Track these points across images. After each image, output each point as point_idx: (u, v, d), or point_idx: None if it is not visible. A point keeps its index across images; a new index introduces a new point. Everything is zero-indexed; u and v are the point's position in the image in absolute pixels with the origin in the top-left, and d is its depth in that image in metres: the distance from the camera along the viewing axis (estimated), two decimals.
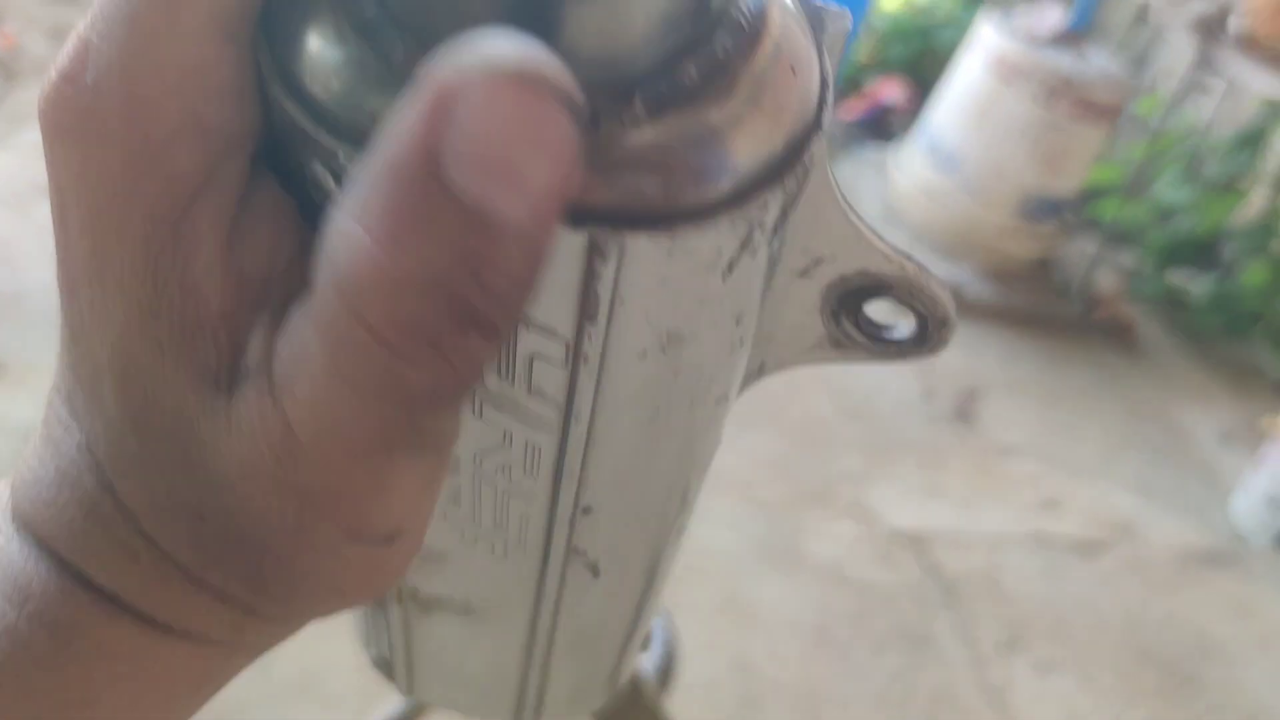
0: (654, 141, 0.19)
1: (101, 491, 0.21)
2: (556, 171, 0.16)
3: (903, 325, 0.26)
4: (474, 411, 0.24)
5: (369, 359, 0.17)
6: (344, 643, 0.38)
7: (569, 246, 0.20)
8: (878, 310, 0.26)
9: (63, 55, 0.20)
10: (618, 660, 0.37)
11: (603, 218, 0.19)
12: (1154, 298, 3.27)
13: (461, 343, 0.17)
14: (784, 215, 0.22)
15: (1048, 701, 1.85)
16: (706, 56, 0.19)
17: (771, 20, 0.20)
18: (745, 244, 0.21)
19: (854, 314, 0.26)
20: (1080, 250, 3.13)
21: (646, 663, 0.66)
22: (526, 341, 0.22)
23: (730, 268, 0.21)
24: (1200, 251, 3.27)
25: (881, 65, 3.87)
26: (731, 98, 0.19)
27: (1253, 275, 3.11)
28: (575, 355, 0.22)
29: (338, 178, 0.20)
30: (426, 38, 0.18)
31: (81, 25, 0.20)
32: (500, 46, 0.16)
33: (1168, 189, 3.23)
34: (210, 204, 0.20)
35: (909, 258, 0.25)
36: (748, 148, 0.20)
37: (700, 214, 0.20)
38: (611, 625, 0.34)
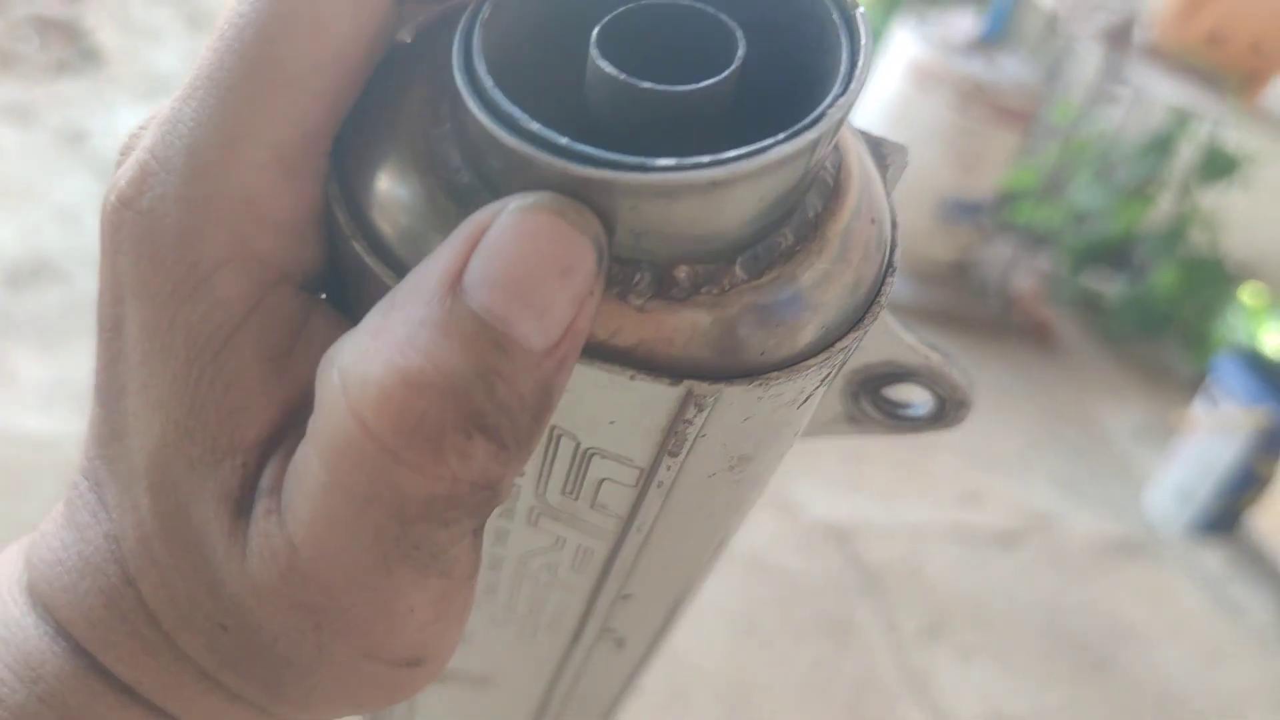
0: (753, 301, 0.20)
1: (125, 586, 0.21)
2: (573, 301, 0.17)
3: (920, 404, 0.27)
4: (530, 521, 0.25)
5: (364, 464, 0.17)
6: None
7: (667, 395, 0.20)
8: (896, 391, 0.27)
9: (124, 174, 0.20)
10: (615, 707, 0.38)
11: (703, 372, 0.20)
12: (1069, 299, 3.34)
13: (464, 446, 0.17)
14: (854, 349, 0.22)
15: (968, 686, 1.88)
16: (800, 220, 0.20)
17: (853, 174, 0.21)
18: (825, 380, 0.22)
19: (873, 394, 0.27)
20: (997, 252, 3.20)
21: None
22: (600, 467, 0.23)
23: (808, 400, 0.22)
24: (1113, 254, 3.35)
25: None
26: (822, 256, 0.20)
27: (1163, 277, 3.20)
28: (647, 481, 0.23)
29: None
30: None
31: (142, 145, 0.20)
32: (541, 194, 0.17)
33: (1081, 193, 3.31)
34: (256, 333, 0.20)
35: (934, 348, 0.26)
36: (836, 300, 0.21)
37: (791, 363, 0.20)
38: (621, 683, 0.34)
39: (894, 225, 0.23)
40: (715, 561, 0.29)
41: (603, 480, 0.23)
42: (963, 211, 2.99)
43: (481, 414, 0.17)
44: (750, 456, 0.23)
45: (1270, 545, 2.29)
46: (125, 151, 0.21)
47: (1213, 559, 2.36)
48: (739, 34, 0.20)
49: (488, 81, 0.18)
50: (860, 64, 0.19)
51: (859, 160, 0.22)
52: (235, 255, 0.20)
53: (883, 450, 2.43)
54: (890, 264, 0.22)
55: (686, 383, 0.20)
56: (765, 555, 1.99)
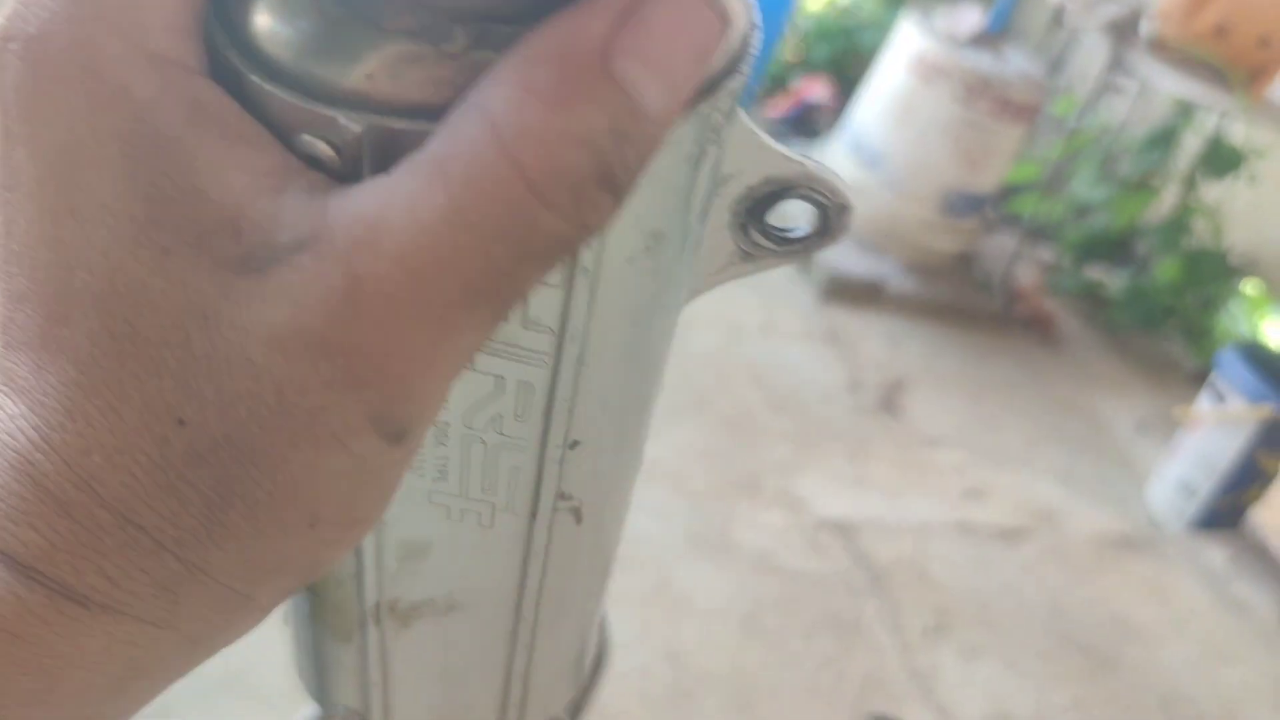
0: None
1: (33, 450, 0.20)
2: (698, 80, 0.20)
3: (803, 223, 0.28)
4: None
5: (509, 202, 0.18)
6: (273, 641, 0.36)
7: None
8: (777, 217, 0.28)
9: (3, 15, 0.20)
10: (585, 638, 0.37)
11: None
12: (1072, 292, 3.35)
13: (596, 196, 0.19)
14: (732, 109, 0.23)
15: (974, 685, 1.88)
16: None
17: None
18: (711, 133, 0.23)
19: (759, 223, 0.28)
20: (1000, 245, 3.20)
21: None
22: None
23: (699, 158, 0.23)
24: (1116, 247, 3.35)
25: (806, 64, 3.92)
26: None
27: (1166, 271, 3.20)
28: (572, 271, 0.23)
29: (335, 146, 0.20)
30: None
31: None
32: None
33: (1084, 186, 3.31)
34: (192, 116, 0.20)
35: (805, 156, 0.27)
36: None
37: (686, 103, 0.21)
38: (587, 586, 0.34)
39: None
40: (654, 403, 0.30)
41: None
42: (967, 205, 2.99)
43: (612, 171, 0.19)
44: (661, 234, 0.24)
45: (1274, 541, 2.30)
46: None
47: (1217, 555, 2.37)
48: None
49: None
50: None
51: None
52: (137, 57, 0.20)
53: (886, 444, 2.43)
54: (754, 23, 0.23)
55: None
56: (771, 553, 1.99)
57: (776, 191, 0.27)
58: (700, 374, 2.49)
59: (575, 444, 0.27)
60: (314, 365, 0.19)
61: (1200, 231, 3.18)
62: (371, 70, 0.20)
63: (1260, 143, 2.90)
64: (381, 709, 0.35)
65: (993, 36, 2.92)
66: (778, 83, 3.85)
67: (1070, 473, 2.57)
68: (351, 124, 0.20)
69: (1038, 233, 3.26)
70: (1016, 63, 2.93)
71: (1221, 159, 3.02)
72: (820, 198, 0.27)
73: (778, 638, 1.85)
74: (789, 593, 1.93)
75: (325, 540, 0.21)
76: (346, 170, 0.20)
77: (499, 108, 0.18)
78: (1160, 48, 2.82)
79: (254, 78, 0.20)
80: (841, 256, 2.95)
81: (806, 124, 3.66)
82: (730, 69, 0.22)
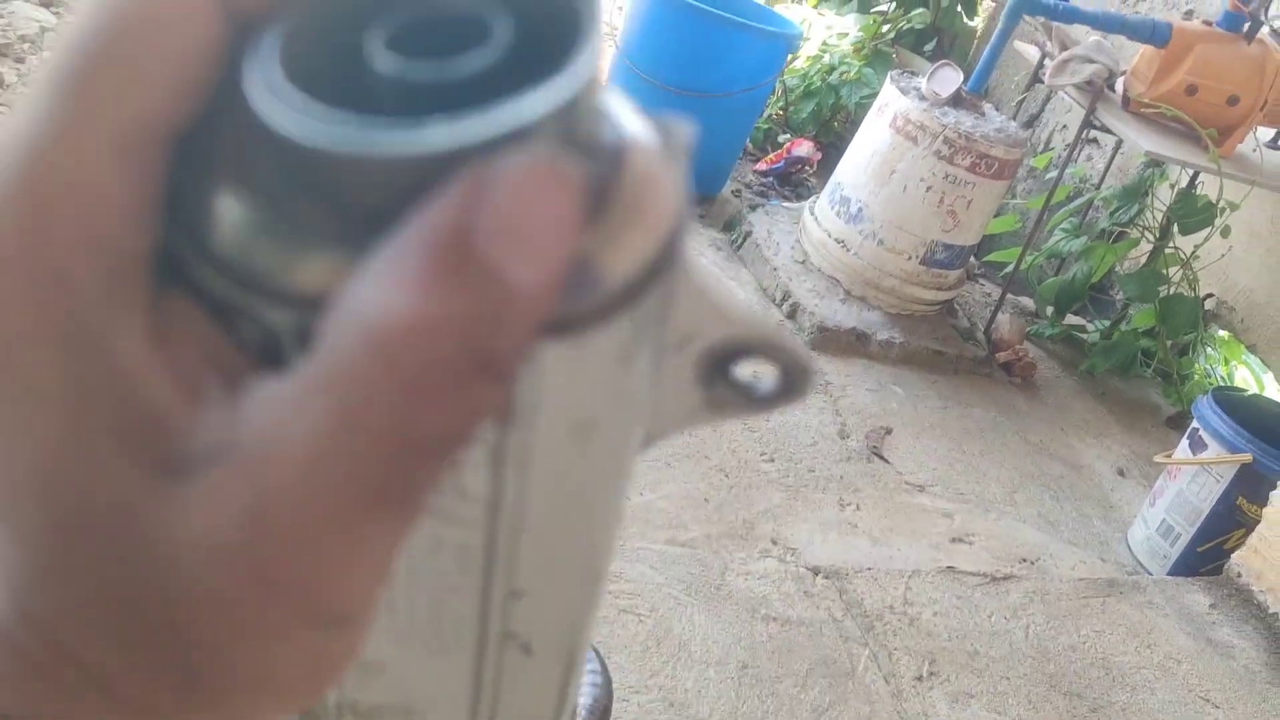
0: None
1: (5, 617, 0.20)
2: (563, 246, 0.19)
3: (767, 379, 0.28)
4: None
5: (383, 401, 0.18)
6: None
7: None
8: (743, 371, 0.28)
9: None
10: None
11: None
12: (1052, 339, 3.41)
13: (479, 385, 0.19)
14: (667, 304, 0.24)
15: None
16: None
17: (634, 144, 0.23)
18: (639, 335, 0.23)
19: (724, 376, 0.28)
20: (982, 295, 3.26)
21: (582, 701, 0.67)
22: None
23: (628, 358, 0.23)
24: (1094, 296, 3.41)
25: (792, 120, 4.01)
26: (607, 220, 0.21)
27: (1142, 318, 3.26)
28: (499, 455, 0.23)
29: (258, 331, 0.21)
30: (321, 196, 0.20)
31: None
32: (536, 148, 0.19)
33: (1062, 238, 3.38)
34: (127, 316, 0.20)
35: (763, 322, 0.27)
36: (629, 258, 0.22)
37: (598, 317, 0.21)
38: (545, 704, 0.34)
39: (684, 187, 0.24)
40: (606, 552, 0.30)
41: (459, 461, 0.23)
42: (949, 257, 3.05)
43: (491, 354, 0.18)
44: (593, 422, 0.24)
45: (1256, 586, 2.33)
46: None
47: (1199, 600, 2.39)
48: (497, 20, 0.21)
49: (275, 71, 0.20)
50: (583, 48, 0.20)
51: (640, 132, 0.23)
52: (83, 243, 0.19)
53: (874, 491, 2.47)
54: (684, 223, 0.23)
55: None
56: (766, 600, 2.02)
57: (736, 351, 0.27)
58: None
59: (517, 593, 0.28)
60: (237, 575, 0.19)
61: (1175, 280, 3.24)
62: (299, 271, 0.20)
63: (1231, 197, 2.97)
64: None
65: (972, 96, 2.99)
66: (767, 139, 3.94)
67: (1052, 517, 2.60)
68: (277, 318, 0.20)
69: (1018, 282, 3.31)
70: (995, 121, 3.00)
71: (1194, 214, 3.09)
72: (780, 361, 0.27)
73: (774, 685, 1.87)
74: (784, 640, 1.95)
75: (292, 699, 0.22)
76: (272, 354, 0.21)
77: (367, 301, 0.18)
78: (1133, 106, 2.89)
79: (188, 256, 0.21)
80: (828, 308, 3.01)
81: (793, 177, 3.75)
82: (652, 275, 0.22)
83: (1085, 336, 3.42)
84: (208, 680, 0.20)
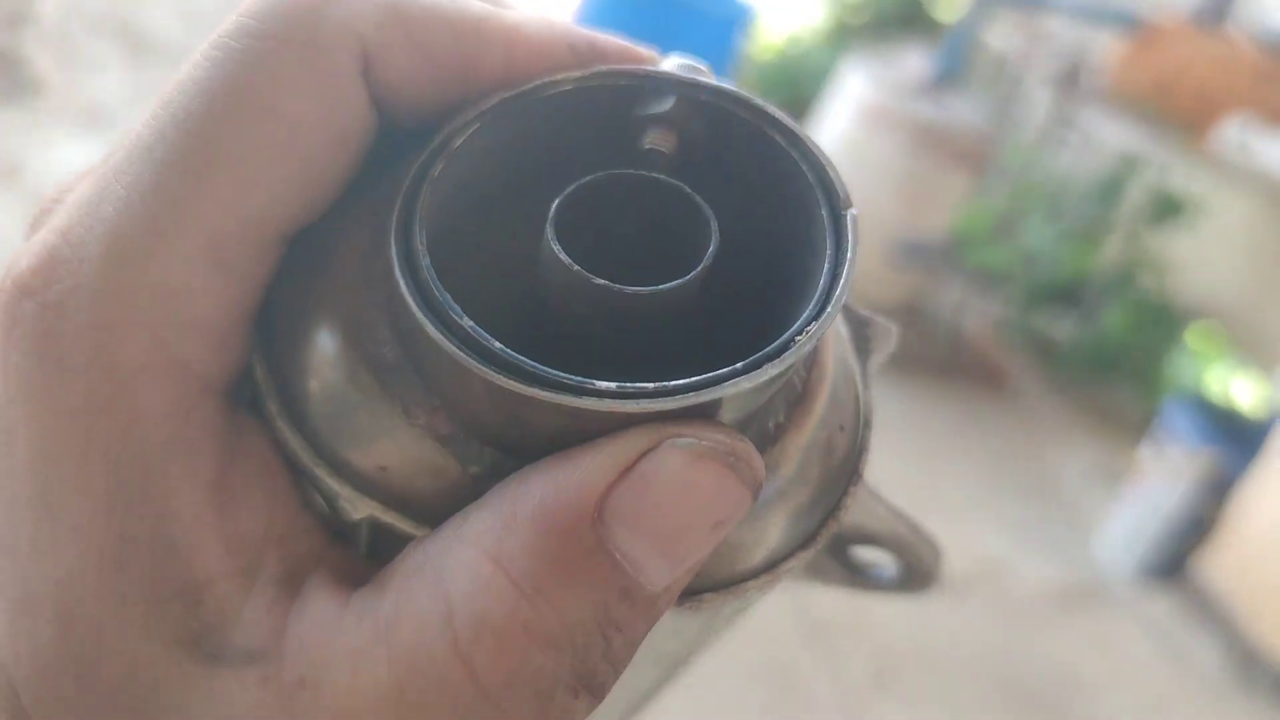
0: None
1: (7, 715, 0.18)
2: (710, 551, 0.16)
3: (886, 567, 0.27)
4: None
5: (456, 706, 0.16)
6: None
7: None
8: (864, 554, 0.27)
9: (25, 259, 0.17)
10: None
11: None
12: (1020, 341, 3.37)
13: (570, 705, 0.16)
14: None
15: None
16: (758, 432, 0.19)
17: (826, 377, 0.20)
18: (766, 594, 0.21)
19: (839, 552, 0.26)
20: (947, 294, 3.22)
21: None
22: None
23: (745, 612, 0.21)
24: (1063, 296, 3.38)
25: None
26: (778, 474, 0.19)
27: (1112, 320, 3.23)
28: None
29: (332, 509, 0.19)
30: (451, 401, 0.18)
31: (53, 224, 0.18)
32: (712, 433, 0.16)
33: (1031, 235, 3.34)
34: (186, 455, 0.18)
35: (902, 518, 0.25)
36: (787, 521, 0.19)
37: (730, 584, 0.19)
38: None
39: (865, 426, 0.22)
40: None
41: None
42: (913, 253, 3.01)
43: (593, 672, 0.16)
44: (681, 659, 0.22)
45: (1216, 591, 2.29)
46: (35, 225, 0.18)
47: (1160, 605, 2.36)
48: (714, 226, 0.18)
49: (424, 260, 0.17)
50: (842, 282, 0.18)
51: (836, 354, 0.20)
52: (156, 361, 0.17)
53: None
54: (855, 472, 0.21)
55: None
56: None
57: (863, 538, 0.25)
58: None
59: None
60: None
61: (1145, 281, 3.21)
62: (387, 463, 0.18)
63: (1200, 193, 2.94)
64: None
65: (939, 85, 2.96)
66: None
67: (1017, 522, 2.56)
68: (352, 508, 0.19)
69: (985, 281, 3.28)
70: (962, 111, 2.97)
71: (1164, 208, 3.06)
72: (907, 560, 0.26)
73: (714, 684, 1.81)
74: (730, 643, 1.90)
75: None
76: (337, 531, 0.19)
77: (460, 580, 0.16)
78: (1103, 99, 2.86)
79: (273, 411, 0.19)
80: None
81: None
82: (817, 532, 0.20)
83: (1056, 336, 3.37)
84: None
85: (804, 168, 0.19)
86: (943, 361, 3.07)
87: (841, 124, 2.98)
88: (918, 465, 2.66)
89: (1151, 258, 3.18)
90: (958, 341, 3.14)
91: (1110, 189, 3.21)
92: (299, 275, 0.19)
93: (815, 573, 0.27)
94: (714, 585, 0.19)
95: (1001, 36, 3.18)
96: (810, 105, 3.44)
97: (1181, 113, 2.80)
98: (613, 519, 0.16)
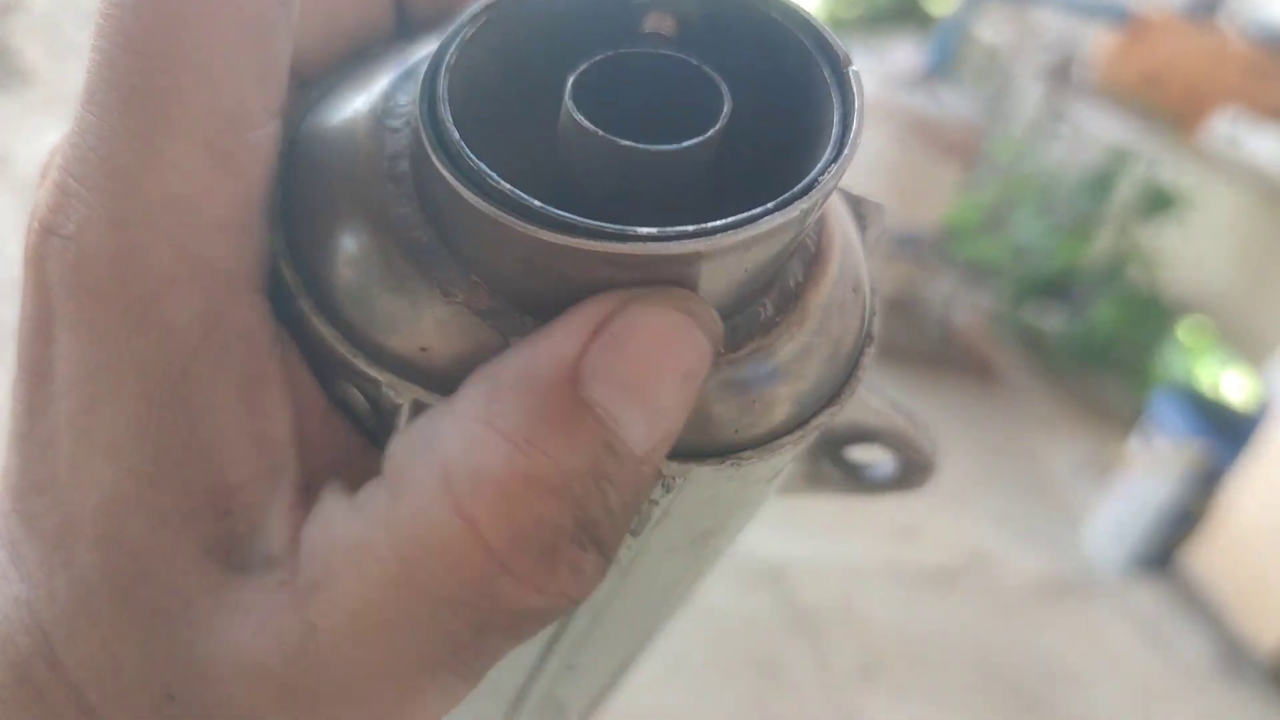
0: (729, 376, 0.19)
1: (39, 658, 0.18)
2: (685, 406, 0.17)
3: (883, 465, 0.27)
4: None
5: (462, 568, 0.16)
6: None
7: None
8: (857, 452, 0.27)
9: (44, 198, 0.18)
10: None
11: (672, 451, 0.19)
12: (1010, 334, 3.37)
13: (576, 557, 0.16)
14: (833, 419, 0.22)
15: None
16: (780, 290, 0.19)
17: (835, 239, 0.20)
18: (797, 457, 0.21)
19: (833, 455, 0.26)
20: (938, 287, 3.22)
21: None
22: None
23: (778, 476, 0.22)
24: (1053, 289, 3.38)
25: None
26: (802, 328, 0.19)
27: (1102, 313, 3.23)
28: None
29: (372, 400, 0.19)
30: (489, 273, 0.18)
31: (57, 164, 0.18)
32: (670, 289, 0.17)
33: (1021, 228, 3.35)
34: (218, 357, 0.18)
35: (898, 410, 0.26)
36: (814, 374, 0.20)
37: (764, 441, 0.20)
38: None
39: (873, 291, 0.22)
40: (660, 633, 0.29)
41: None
42: (903, 245, 3.01)
43: (595, 523, 0.16)
44: (713, 531, 0.23)
45: (1204, 583, 2.30)
46: (44, 172, 0.19)
47: (1147, 597, 2.36)
48: (724, 89, 0.19)
49: (453, 134, 0.17)
50: (853, 128, 0.19)
51: (840, 223, 0.21)
52: (182, 268, 0.18)
53: None
54: (869, 333, 0.21)
55: None
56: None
57: (860, 435, 0.25)
58: None
59: (573, 667, 0.27)
60: (277, 701, 0.18)
61: (1135, 275, 3.21)
62: (428, 343, 0.18)
63: (1190, 187, 2.95)
64: None
65: (929, 76, 2.96)
66: None
67: (1006, 514, 2.57)
68: (395, 393, 0.19)
69: (976, 274, 3.28)
70: (953, 103, 2.97)
71: (1154, 202, 3.07)
72: (904, 453, 0.26)
73: (700, 675, 1.82)
74: (713, 631, 1.90)
75: None
76: (375, 424, 0.19)
77: (454, 447, 0.16)
78: (1094, 93, 2.87)
79: (306, 309, 0.19)
80: None
81: None
82: (839, 388, 0.21)
83: (1046, 329, 3.38)
84: None
85: (801, 36, 0.19)
86: (932, 353, 3.07)
87: None
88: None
89: (1141, 251, 3.18)
90: (948, 333, 3.14)
91: (1100, 182, 3.22)
92: (317, 171, 0.19)
93: (814, 481, 0.27)
94: (752, 443, 0.20)
95: (993, 29, 3.18)
96: None
97: (1171, 106, 2.81)
98: (590, 375, 0.16)
